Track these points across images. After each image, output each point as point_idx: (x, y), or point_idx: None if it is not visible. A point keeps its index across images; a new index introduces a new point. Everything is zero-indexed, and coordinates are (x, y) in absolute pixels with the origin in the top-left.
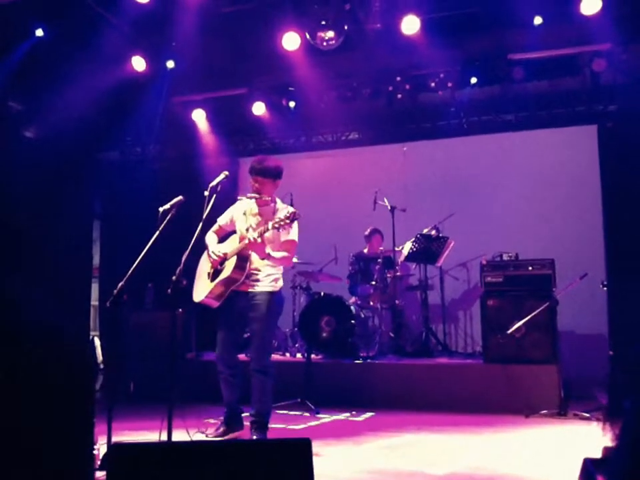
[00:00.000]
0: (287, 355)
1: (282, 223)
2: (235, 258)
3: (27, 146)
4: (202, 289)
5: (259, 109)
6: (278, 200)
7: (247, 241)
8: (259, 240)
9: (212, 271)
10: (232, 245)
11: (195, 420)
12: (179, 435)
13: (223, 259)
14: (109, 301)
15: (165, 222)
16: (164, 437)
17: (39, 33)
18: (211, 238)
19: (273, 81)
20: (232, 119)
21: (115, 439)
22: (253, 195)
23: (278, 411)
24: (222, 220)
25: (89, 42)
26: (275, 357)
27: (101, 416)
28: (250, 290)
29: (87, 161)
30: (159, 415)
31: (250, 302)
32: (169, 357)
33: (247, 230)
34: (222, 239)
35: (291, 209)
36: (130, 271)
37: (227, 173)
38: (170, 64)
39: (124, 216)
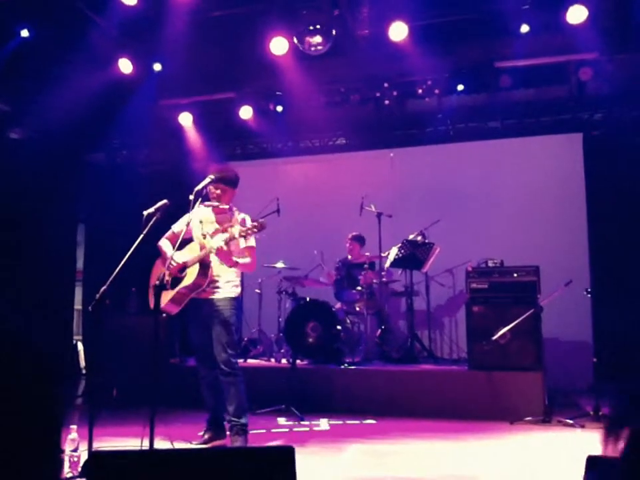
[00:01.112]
0: (272, 360)
1: (249, 232)
2: (197, 266)
3: (13, 147)
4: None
5: (246, 113)
6: (235, 210)
7: (213, 250)
8: (225, 248)
9: (170, 278)
10: (191, 252)
11: (178, 426)
12: (161, 442)
13: (183, 267)
14: (91, 305)
15: (149, 226)
16: (146, 444)
17: (24, 33)
18: (166, 245)
19: (260, 86)
20: (219, 123)
21: (96, 445)
22: (212, 203)
23: (262, 417)
24: (176, 227)
25: (76, 43)
26: (260, 362)
27: (82, 422)
28: (212, 297)
29: (73, 163)
30: (142, 421)
31: (212, 308)
32: (152, 362)
33: (204, 237)
34: (178, 246)
35: (249, 219)
36: (113, 275)
37: (212, 177)
38: (157, 67)
39: (109, 219)
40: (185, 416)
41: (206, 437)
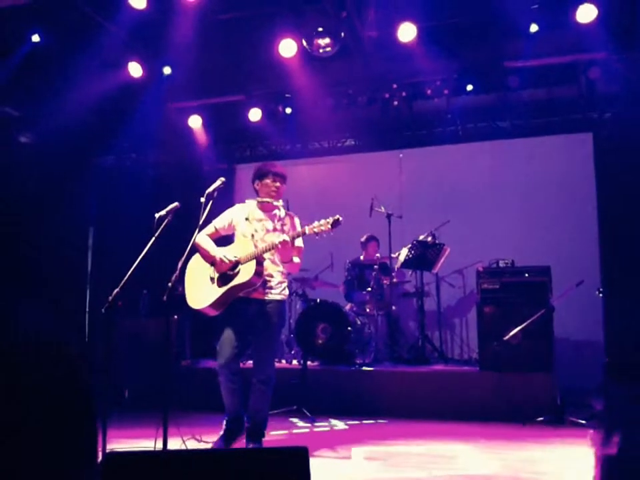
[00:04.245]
0: (283, 361)
1: (323, 229)
2: (253, 262)
3: (23, 151)
4: (204, 295)
5: (255, 115)
6: (281, 207)
7: (277, 243)
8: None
9: (217, 275)
10: (243, 249)
11: (189, 428)
12: (174, 443)
13: (236, 264)
14: (104, 308)
15: (160, 228)
16: (159, 445)
17: (36, 38)
18: (207, 241)
19: (269, 88)
20: (228, 125)
21: (109, 447)
22: (264, 198)
23: (274, 418)
24: (219, 223)
25: (86, 48)
26: None
27: None
28: (265, 298)
29: (83, 166)
30: (154, 422)
31: (262, 309)
32: (163, 364)
33: (252, 235)
34: (215, 243)
35: (297, 219)
36: (125, 278)
37: (223, 179)
38: (167, 70)
39: (117, 222)
40: (196, 417)
41: (227, 436)
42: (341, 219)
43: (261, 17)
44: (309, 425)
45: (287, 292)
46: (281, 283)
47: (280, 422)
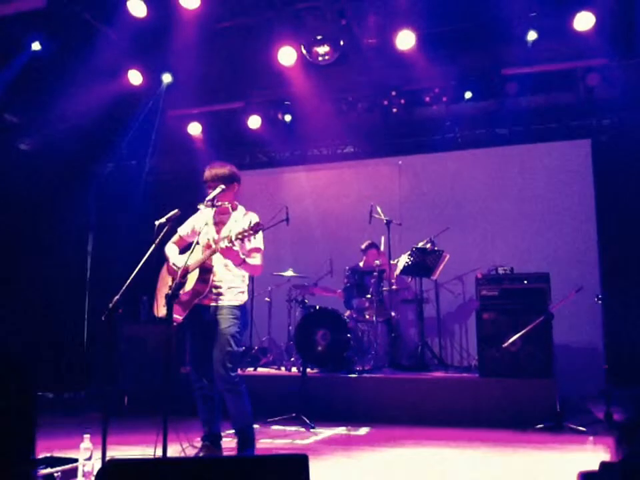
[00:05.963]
0: (282, 369)
1: (245, 234)
2: (197, 270)
3: (23, 158)
4: (162, 304)
5: (255, 122)
6: (240, 207)
7: (219, 250)
8: (234, 246)
9: (174, 284)
10: (195, 256)
11: (190, 434)
12: (173, 450)
13: (185, 271)
14: (104, 315)
15: (161, 235)
16: (159, 452)
17: (36, 46)
18: (171, 249)
19: (269, 95)
20: (228, 132)
21: (108, 453)
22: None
23: (273, 426)
24: (182, 230)
25: (86, 55)
26: (270, 371)
27: (95, 430)
28: (213, 304)
29: (83, 173)
30: (154, 429)
31: (213, 316)
32: (163, 371)
33: (208, 241)
34: (182, 250)
35: (254, 219)
36: (126, 284)
37: (223, 187)
38: (166, 78)
39: (117, 228)
40: (195, 425)
41: (201, 454)
42: (260, 222)
43: (260, 24)
44: (308, 432)
45: (242, 297)
46: (232, 287)
47: (279, 429)
